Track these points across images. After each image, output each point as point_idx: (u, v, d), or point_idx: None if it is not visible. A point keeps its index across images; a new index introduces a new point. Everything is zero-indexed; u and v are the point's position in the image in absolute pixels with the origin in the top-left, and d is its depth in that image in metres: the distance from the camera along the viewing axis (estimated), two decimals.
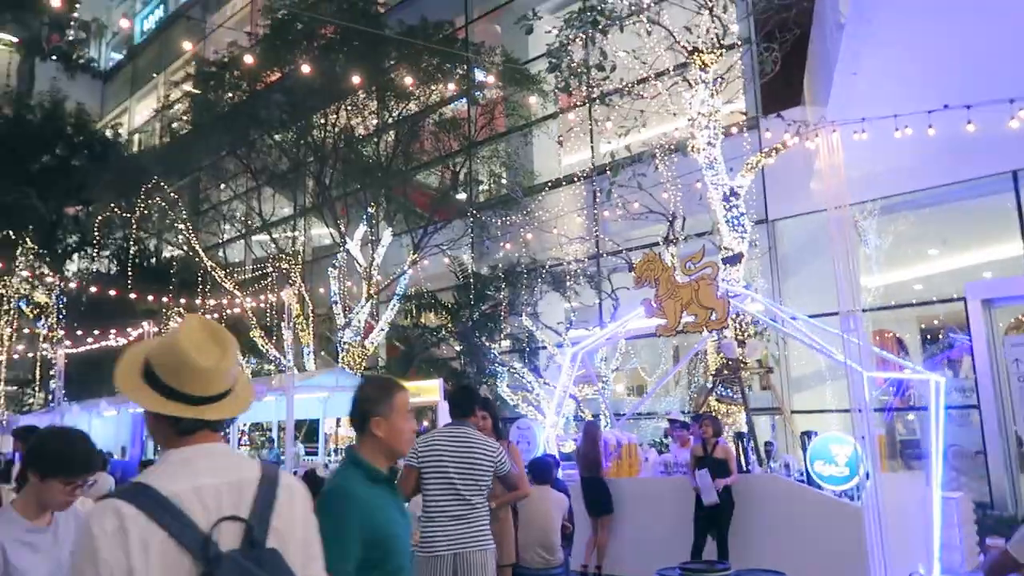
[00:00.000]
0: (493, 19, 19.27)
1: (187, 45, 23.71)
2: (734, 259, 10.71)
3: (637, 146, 13.67)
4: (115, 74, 37.80)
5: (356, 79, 14.12)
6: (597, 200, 13.99)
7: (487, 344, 14.49)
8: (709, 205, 11.30)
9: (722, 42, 11.33)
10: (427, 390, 11.63)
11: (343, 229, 16.83)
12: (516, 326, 14.50)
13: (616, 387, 13.63)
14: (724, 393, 10.05)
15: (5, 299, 20.06)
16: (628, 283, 13.08)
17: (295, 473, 7.75)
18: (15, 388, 21.84)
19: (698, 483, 7.09)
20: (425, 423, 11.49)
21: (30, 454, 2.52)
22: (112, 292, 17.87)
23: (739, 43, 12.27)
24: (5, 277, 19.69)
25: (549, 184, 15.42)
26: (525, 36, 17.21)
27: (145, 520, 1.52)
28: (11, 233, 19.97)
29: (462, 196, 17.37)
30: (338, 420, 16.01)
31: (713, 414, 8.66)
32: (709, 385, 10.72)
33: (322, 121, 17.03)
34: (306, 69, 14.80)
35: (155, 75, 29.51)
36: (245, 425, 17.18)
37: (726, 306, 8.47)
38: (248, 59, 16.22)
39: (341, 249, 16.75)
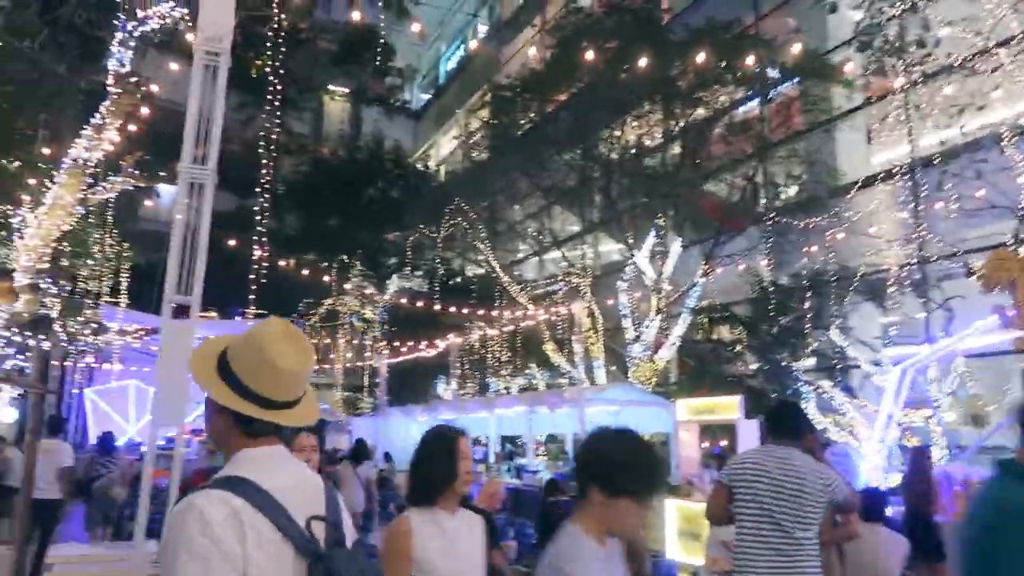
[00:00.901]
0: (785, 13, 17.93)
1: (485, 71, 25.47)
2: None
3: (973, 131, 11.60)
4: (424, 112, 42.27)
5: (642, 90, 13.91)
6: (922, 196, 12.13)
7: (789, 361, 13.27)
8: None
9: None
10: (724, 407, 10.87)
11: (630, 242, 16.66)
12: (823, 341, 13.07)
13: (947, 415, 11.64)
14: None
15: (341, 315, 23.15)
16: (964, 291, 11.12)
17: None
18: (351, 393, 25.01)
19: None
20: (723, 443, 10.77)
21: (594, 465, 2.09)
22: (420, 305, 19.62)
23: None
24: (341, 296, 22.71)
25: (859, 183, 13.74)
26: (822, 26, 15.68)
27: (253, 511, 1.51)
28: (346, 258, 23.06)
29: (758, 202, 16.28)
30: None
31: None
32: None
33: (608, 135, 17.07)
34: (592, 83, 14.93)
35: (457, 110, 32.34)
36: (542, 436, 17.66)
37: None
38: (537, 80, 16.85)
39: (629, 262, 16.58)
